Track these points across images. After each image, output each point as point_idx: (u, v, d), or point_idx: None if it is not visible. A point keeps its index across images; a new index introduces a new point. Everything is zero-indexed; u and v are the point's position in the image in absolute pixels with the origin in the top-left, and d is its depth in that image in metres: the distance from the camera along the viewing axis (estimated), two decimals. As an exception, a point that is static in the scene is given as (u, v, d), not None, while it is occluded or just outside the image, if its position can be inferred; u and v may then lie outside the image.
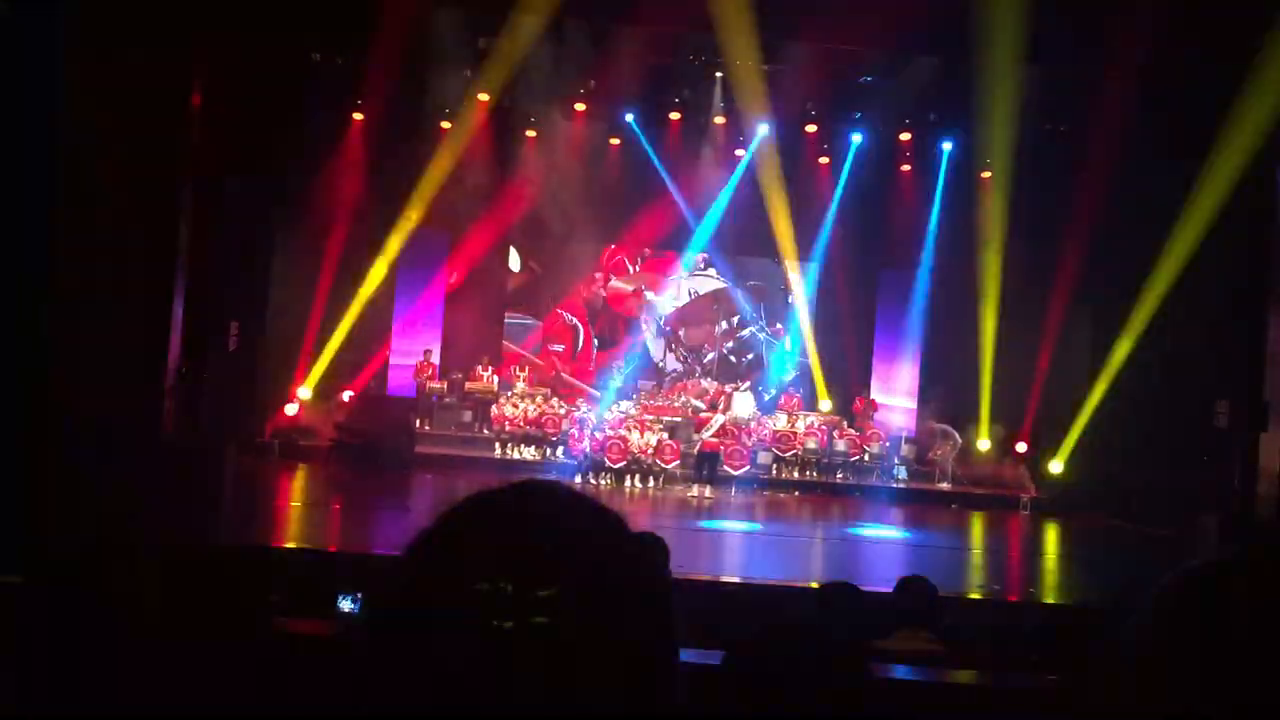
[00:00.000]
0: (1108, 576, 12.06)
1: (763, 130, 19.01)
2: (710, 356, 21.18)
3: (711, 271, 21.28)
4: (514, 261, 20.63)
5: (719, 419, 17.12)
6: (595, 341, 20.94)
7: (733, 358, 21.30)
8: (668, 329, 21.27)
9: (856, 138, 19.63)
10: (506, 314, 20.70)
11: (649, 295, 21.07)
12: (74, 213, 11.75)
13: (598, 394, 19.39)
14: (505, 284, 20.53)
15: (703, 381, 20.20)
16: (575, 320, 20.85)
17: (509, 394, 18.67)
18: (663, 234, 20.15)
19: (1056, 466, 17.41)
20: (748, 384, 20.09)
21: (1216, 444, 14.21)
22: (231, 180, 15.23)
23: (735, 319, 21.37)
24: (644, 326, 21.13)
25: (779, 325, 21.21)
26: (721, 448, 16.77)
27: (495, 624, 0.77)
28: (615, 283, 20.97)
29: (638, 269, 21.11)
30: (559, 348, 20.86)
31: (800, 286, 20.73)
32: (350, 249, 18.33)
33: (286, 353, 17.90)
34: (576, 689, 0.77)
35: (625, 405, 18.47)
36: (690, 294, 21.35)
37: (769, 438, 17.96)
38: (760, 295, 21.28)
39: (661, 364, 21.16)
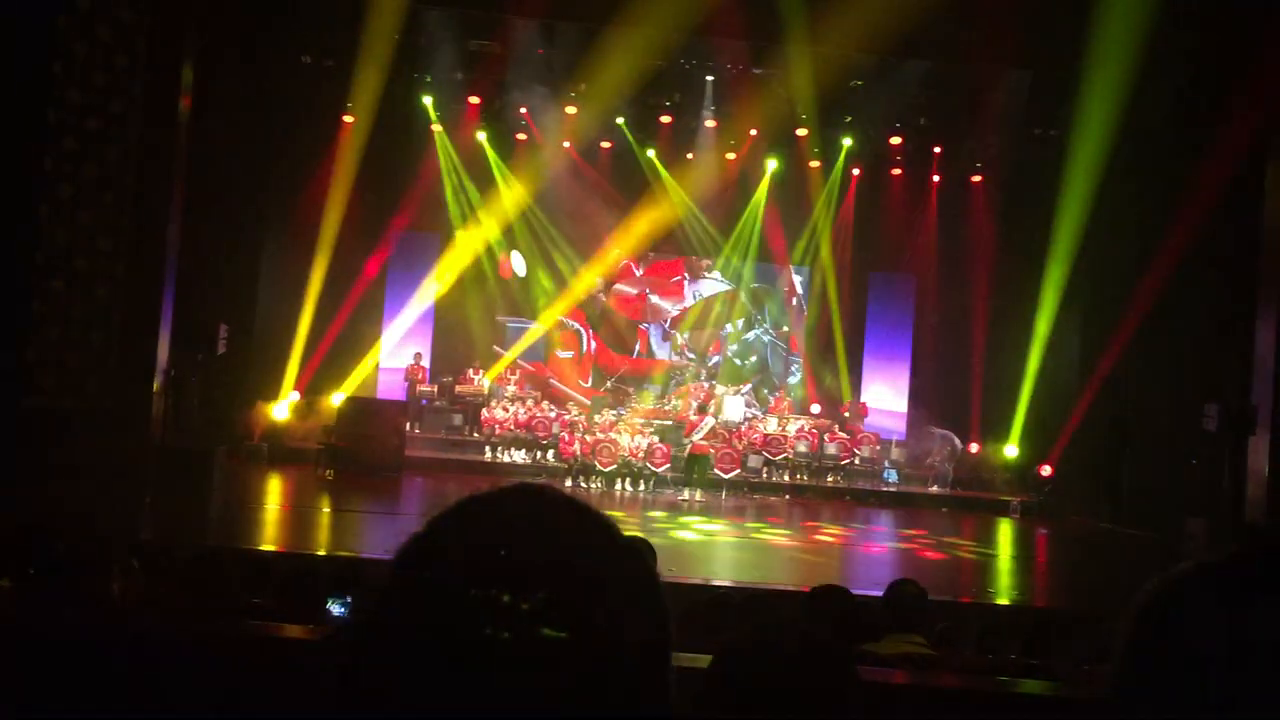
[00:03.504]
0: (1097, 580, 12.09)
1: (753, 134, 19.03)
2: (715, 360, 21.17)
3: (716, 274, 21.25)
4: (519, 265, 20.49)
5: (709, 422, 17.10)
6: (594, 345, 20.90)
7: (737, 360, 21.29)
8: (673, 332, 21.24)
9: (847, 141, 19.66)
10: (499, 318, 20.60)
11: (653, 299, 21.04)
12: (64, 215, 11.72)
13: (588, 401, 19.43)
14: (498, 287, 20.45)
15: (706, 385, 20.17)
16: (578, 325, 20.81)
17: (499, 397, 18.64)
18: (654, 237, 20.17)
19: (1046, 470, 17.45)
20: (749, 386, 20.12)
21: (1205, 447, 14.25)
22: (221, 182, 15.19)
23: (740, 322, 21.35)
24: (649, 330, 21.11)
25: (784, 328, 21.18)
26: (711, 451, 16.76)
27: (485, 630, 0.76)
28: (619, 286, 20.94)
29: (642, 273, 21.07)
30: (567, 354, 20.79)
31: (791, 289, 20.75)
32: (340, 252, 18.29)
33: (276, 356, 17.86)
34: (568, 694, 0.77)
35: (612, 413, 18.45)
36: (695, 297, 21.31)
37: (759, 441, 17.96)
38: (764, 298, 21.23)
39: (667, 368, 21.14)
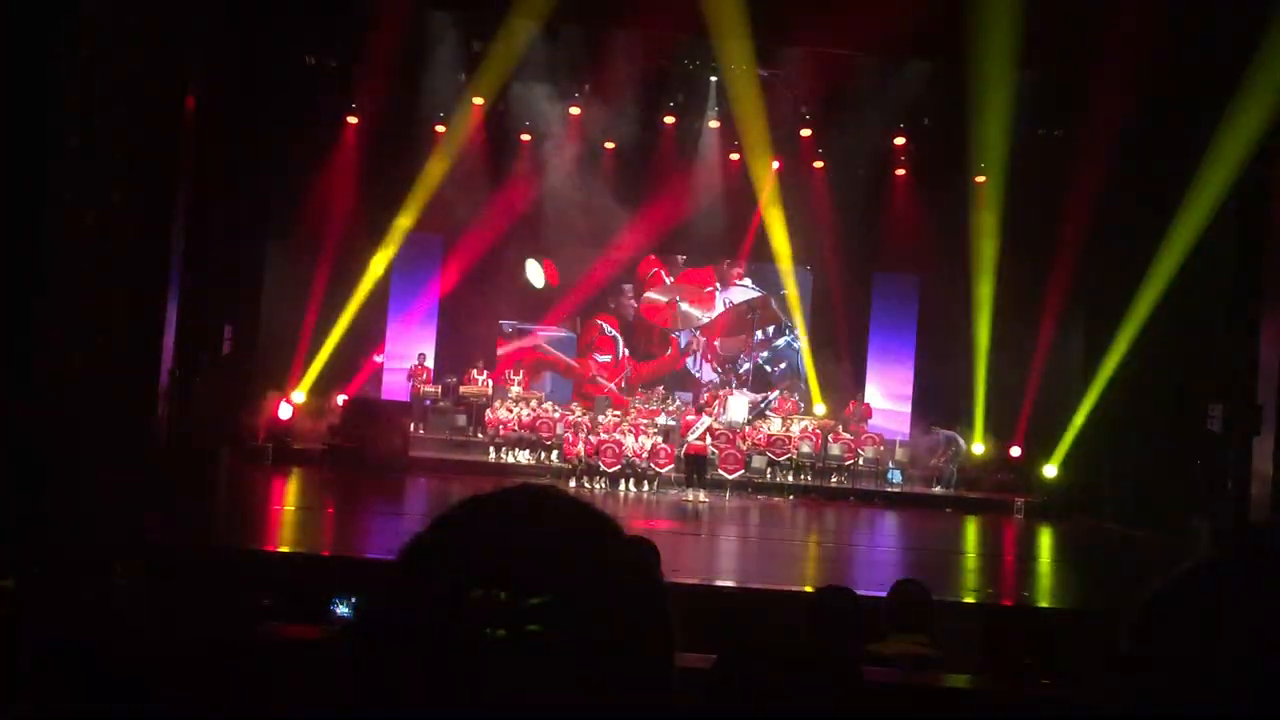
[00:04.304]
0: (1101, 580, 12.07)
1: (756, 134, 19.00)
2: (745, 367, 21.13)
3: (746, 281, 21.19)
4: (535, 275, 20.54)
5: (704, 421, 17.08)
6: (627, 352, 20.93)
7: (767, 367, 21.25)
8: (703, 339, 21.21)
9: (850, 141, 19.61)
10: (504, 319, 20.60)
11: (684, 306, 21.02)
12: (68, 215, 11.74)
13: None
14: (503, 288, 20.46)
15: (736, 391, 20.13)
16: (614, 332, 20.85)
17: (503, 398, 18.64)
18: (660, 238, 20.18)
19: (1051, 470, 17.42)
20: (776, 393, 20.07)
21: (1210, 448, 14.22)
22: (226, 183, 15.20)
23: (770, 328, 21.29)
24: (679, 337, 21.10)
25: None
26: (708, 451, 16.75)
27: (489, 630, 0.76)
28: (650, 294, 20.92)
29: (672, 281, 21.04)
30: (605, 358, 20.81)
31: (794, 290, 20.72)
32: (344, 252, 18.31)
33: (280, 356, 17.87)
34: (569, 695, 0.77)
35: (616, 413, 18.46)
36: (725, 304, 21.27)
37: (763, 441, 17.95)
38: (792, 305, 21.13)
39: (698, 374, 21.13)
